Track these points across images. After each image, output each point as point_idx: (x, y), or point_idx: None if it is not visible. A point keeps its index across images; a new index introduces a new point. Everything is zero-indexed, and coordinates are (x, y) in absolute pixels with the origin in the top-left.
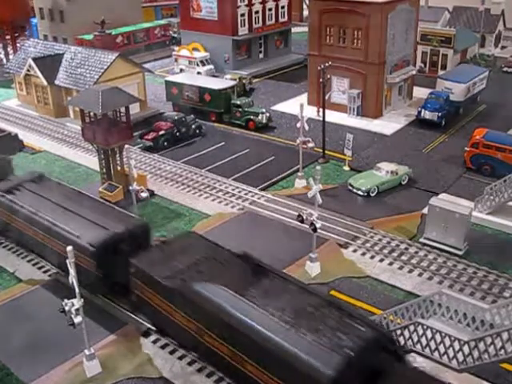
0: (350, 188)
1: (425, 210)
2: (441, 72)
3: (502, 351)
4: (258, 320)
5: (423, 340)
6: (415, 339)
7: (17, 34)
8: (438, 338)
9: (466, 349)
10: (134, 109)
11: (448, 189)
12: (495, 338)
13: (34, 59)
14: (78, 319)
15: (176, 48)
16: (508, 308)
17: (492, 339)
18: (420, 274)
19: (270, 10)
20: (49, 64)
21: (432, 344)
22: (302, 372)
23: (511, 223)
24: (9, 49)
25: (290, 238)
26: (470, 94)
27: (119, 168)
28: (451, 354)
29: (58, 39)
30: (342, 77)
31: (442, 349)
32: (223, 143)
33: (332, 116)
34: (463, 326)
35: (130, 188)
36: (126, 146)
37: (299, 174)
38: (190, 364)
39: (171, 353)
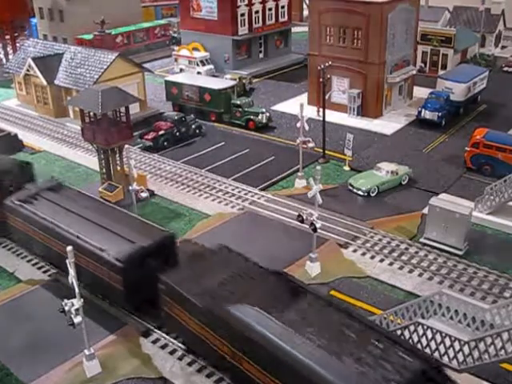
0: (350, 188)
1: (425, 210)
2: (441, 72)
3: (502, 351)
4: (296, 347)
5: (423, 340)
6: (415, 339)
7: (16, 34)
8: (438, 338)
9: (466, 349)
10: (134, 109)
11: (448, 189)
12: (495, 339)
13: (34, 59)
14: (77, 319)
15: (176, 48)
16: (508, 308)
17: (492, 339)
18: (420, 274)
19: (270, 9)
20: (48, 64)
21: (432, 344)
22: None
23: (511, 223)
24: (8, 48)
25: (290, 237)
26: (471, 94)
27: (119, 168)
28: (451, 354)
29: (57, 39)
30: (342, 77)
31: (442, 349)
32: (223, 143)
33: (332, 116)
34: (463, 327)
35: (130, 188)
36: (126, 145)
37: (299, 174)
38: (189, 364)
39: (171, 353)
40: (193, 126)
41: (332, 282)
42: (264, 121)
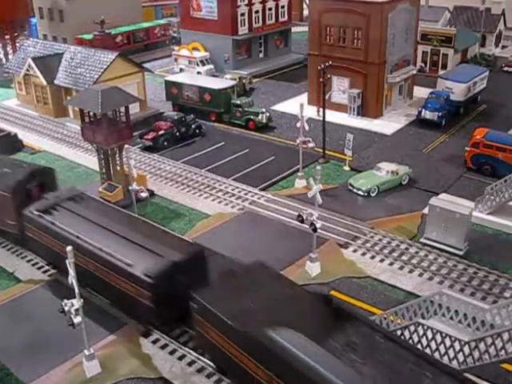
0: (351, 188)
1: (425, 210)
2: (441, 72)
3: (503, 351)
4: (342, 378)
5: (424, 340)
6: (416, 340)
7: (16, 34)
8: (438, 338)
9: (466, 349)
10: (134, 108)
11: (448, 189)
12: (496, 339)
13: (34, 59)
14: (77, 319)
15: (176, 48)
16: (508, 308)
17: (492, 340)
18: (420, 274)
19: (270, 9)
20: (48, 64)
21: (432, 344)
22: None
23: (511, 223)
24: (8, 48)
25: (290, 237)
26: (471, 94)
27: (119, 168)
28: (452, 354)
29: (57, 39)
30: (342, 76)
31: (442, 349)
32: (223, 143)
33: (332, 116)
34: (464, 327)
35: (130, 188)
36: (126, 145)
37: (299, 173)
38: (189, 364)
39: (171, 353)
40: (193, 126)
41: (332, 282)
42: (264, 121)
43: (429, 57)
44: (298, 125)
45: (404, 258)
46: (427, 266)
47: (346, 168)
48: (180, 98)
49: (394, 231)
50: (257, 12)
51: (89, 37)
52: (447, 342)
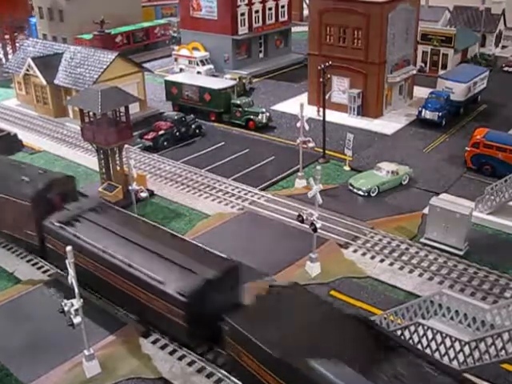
0: (351, 188)
1: (425, 210)
2: (441, 72)
3: (503, 352)
4: None
5: (424, 341)
6: (416, 340)
7: (16, 34)
8: (438, 338)
9: (466, 349)
10: (134, 108)
11: (449, 189)
12: (496, 339)
13: (33, 59)
14: (77, 319)
15: (176, 47)
16: (509, 308)
17: (493, 340)
18: (420, 275)
19: (270, 9)
20: (48, 64)
21: (433, 345)
22: None
23: None
24: (8, 48)
25: (290, 238)
26: (471, 94)
27: (119, 168)
28: (452, 354)
29: (57, 39)
30: (343, 76)
31: (442, 349)
32: (223, 143)
33: (332, 116)
34: (464, 327)
35: (130, 188)
36: (126, 145)
37: (299, 173)
38: (189, 364)
39: (171, 353)
40: (193, 126)
41: (332, 283)
42: (264, 121)
43: (429, 57)
44: (298, 125)
45: (404, 258)
46: (427, 266)
47: (346, 168)
48: (180, 98)
49: (394, 231)
50: (257, 12)
51: (88, 37)
52: (447, 342)
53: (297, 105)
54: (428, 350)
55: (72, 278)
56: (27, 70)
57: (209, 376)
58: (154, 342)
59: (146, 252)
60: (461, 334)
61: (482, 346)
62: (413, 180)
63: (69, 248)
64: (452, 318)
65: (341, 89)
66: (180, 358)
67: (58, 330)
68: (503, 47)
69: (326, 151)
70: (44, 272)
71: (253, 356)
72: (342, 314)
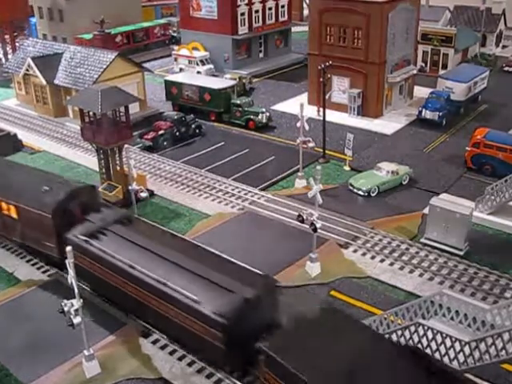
0: (351, 188)
1: (425, 210)
2: (441, 71)
3: (503, 352)
4: None
5: (424, 341)
6: (416, 340)
7: (16, 34)
8: (438, 338)
9: (466, 350)
10: (134, 108)
11: (449, 189)
12: (496, 339)
13: (33, 58)
14: (77, 320)
15: (176, 47)
16: (509, 309)
17: (493, 340)
18: (421, 275)
19: (270, 9)
20: (48, 63)
21: (433, 345)
22: None
23: None
24: (8, 48)
25: (290, 238)
26: (471, 94)
27: (119, 168)
28: (452, 354)
29: (57, 38)
30: (343, 76)
31: (442, 350)
32: (223, 143)
33: (332, 116)
34: (464, 327)
35: (130, 188)
36: (126, 145)
37: (299, 173)
38: (189, 365)
39: (171, 353)
40: (192, 126)
41: (332, 283)
42: (264, 120)
43: (429, 56)
44: (298, 125)
45: (404, 258)
46: (428, 267)
47: (346, 168)
48: (180, 98)
49: (394, 231)
50: (257, 12)
51: (88, 36)
52: (447, 342)
53: (297, 105)
54: (428, 350)
55: (72, 278)
56: (27, 70)
57: (209, 376)
58: (154, 342)
59: (179, 268)
60: (461, 334)
61: (483, 346)
62: (413, 180)
63: (68, 248)
64: (452, 318)
65: (341, 89)
66: (180, 359)
67: (57, 330)
68: (503, 47)
69: (326, 151)
70: (44, 272)
71: None
72: (389, 342)
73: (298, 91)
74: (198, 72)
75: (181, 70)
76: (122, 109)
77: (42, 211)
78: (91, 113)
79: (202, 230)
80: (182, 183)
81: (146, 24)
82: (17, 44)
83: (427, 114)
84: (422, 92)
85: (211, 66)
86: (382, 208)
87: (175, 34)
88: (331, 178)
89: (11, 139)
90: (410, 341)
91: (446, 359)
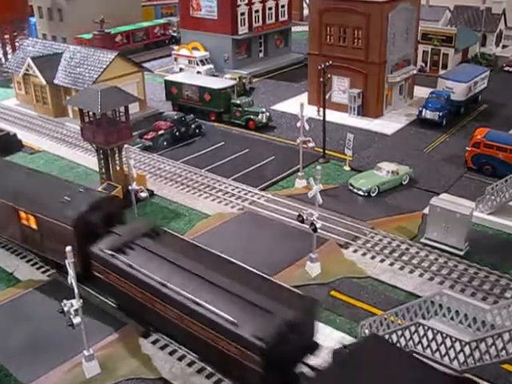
0: (351, 188)
1: (426, 210)
2: (442, 71)
3: (503, 352)
4: None
5: (424, 341)
6: (416, 340)
7: (15, 33)
8: (439, 338)
9: (467, 350)
10: (134, 108)
11: (449, 189)
12: (496, 339)
13: (33, 58)
14: (77, 320)
15: (175, 47)
16: (509, 309)
17: (493, 340)
18: (421, 275)
19: (270, 9)
20: (48, 63)
21: (433, 345)
22: None
23: None
24: (7, 48)
25: (290, 238)
26: (471, 94)
27: (118, 168)
28: (452, 355)
29: (56, 38)
30: (343, 76)
31: (443, 350)
32: (223, 143)
33: (332, 115)
34: (464, 327)
35: (130, 188)
36: (126, 145)
37: (299, 173)
38: (189, 365)
39: (171, 354)
40: (192, 126)
41: (332, 283)
42: (264, 120)
43: (429, 56)
44: (298, 124)
45: (404, 258)
46: (428, 267)
47: (347, 168)
48: (180, 98)
49: (394, 231)
50: (257, 11)
51: (88, 36)
52: (448, 342)
53: (297, 105)
54: (428, 351)
55: (72, 279)
56: (27, 70)
57: (208, 376)
58: (153, 342)
59: (213, 287)
60: (461, 334)
61: (483, 346)
62: (413, 180)
63: (68, 248)
64: (452, 319)
65: (341, 89)
66: (180, 359)
67: (57, 330)
68: (504, 47)
69: (326, 151)
70: (44, 272)
71: None
72: (438, 373)
73: (298, 91)
74: (198, 72)
75: (181, 69)
76: (122, 109)
77: (62, 223)
78: (91, 113)
79: (201, 230)
80: (181, 183)
81: (145, 24)
82: (16, 44)
83: (427, 114)
84: (422, 92)
85: (211, 65)
86: (382, 208)
87: (175, 34)
88: (331, 177)
89: (11, 139)
90: (411, 341)
91: (446, 359)
